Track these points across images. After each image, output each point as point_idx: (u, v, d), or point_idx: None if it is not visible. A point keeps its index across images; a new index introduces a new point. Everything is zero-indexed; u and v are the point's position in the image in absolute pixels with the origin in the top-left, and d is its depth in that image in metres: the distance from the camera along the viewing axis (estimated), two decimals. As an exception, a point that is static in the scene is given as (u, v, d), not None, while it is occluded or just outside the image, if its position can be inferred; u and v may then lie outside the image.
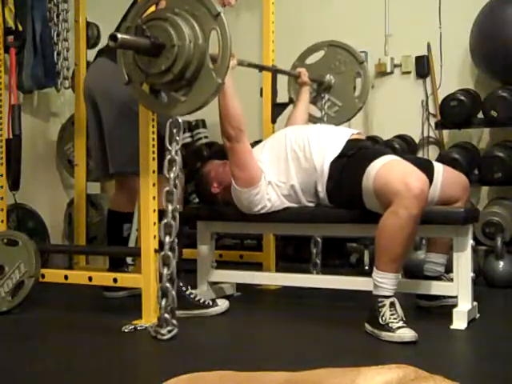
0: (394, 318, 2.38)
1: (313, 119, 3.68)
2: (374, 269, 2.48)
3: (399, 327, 2.35)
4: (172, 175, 2.44)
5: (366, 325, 2.46)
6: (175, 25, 2.30)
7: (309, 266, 3.67)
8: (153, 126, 2.62)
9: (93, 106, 3.03)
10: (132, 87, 2.49)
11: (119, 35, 2.23)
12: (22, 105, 3.44)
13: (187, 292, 2.81)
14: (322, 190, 2.76)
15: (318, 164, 2.74)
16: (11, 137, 3.22)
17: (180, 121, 2.44)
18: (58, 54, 4.06)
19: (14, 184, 3.25)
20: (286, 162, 2.83)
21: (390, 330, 2.35)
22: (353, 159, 2.69)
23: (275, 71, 3.57)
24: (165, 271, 2.44)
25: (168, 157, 2.45)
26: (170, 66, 2.30)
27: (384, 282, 2.44)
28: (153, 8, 2.47)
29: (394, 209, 2.41)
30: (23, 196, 3.60)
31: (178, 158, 2.45)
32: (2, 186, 3.19)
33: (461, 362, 2.26)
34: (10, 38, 3.32)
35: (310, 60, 3.84)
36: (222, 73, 2.30)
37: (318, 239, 3.68)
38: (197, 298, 2.83)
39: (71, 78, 4.07)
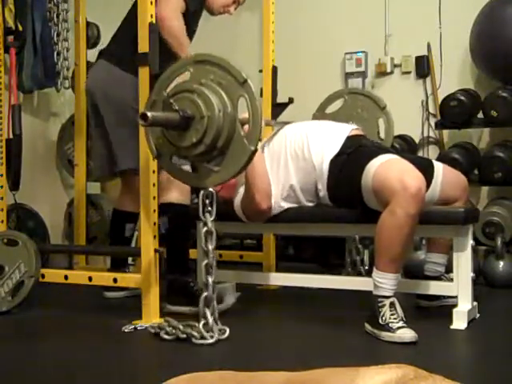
0: (394, 318, 2.38)
1: None
2: (374, 269, 2.48)
3: (399, 327, 2.35)
4: (210, 247, 2.40)
5: (366, 325, 2.47)
6: (203, 95, 2.27)
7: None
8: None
9: (93, 106, 3.04)
10: (162, 161, 2.46)
11: (149, 113, 2.20)
12: (22, 105, 3.43)
13: (195, 288, 2.82)
14: (322, 188, 2.76)
15: (317, 163, 2.74)
16: (11, 137, 3.22)
17: (213, 192, 2.39)
18: (58, 53, 4.06)
19: (14, 184, 3.25)
20: (285, 161, 2.83)
21: (390, 330, 2.35)
22: (352, 157, 2.69)
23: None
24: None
25: (204, 229, 2.40)
26: (201, 138, 2.27)
27: (384, 282, 2.44)
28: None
29: (391, 208, 2.41)
30: (23, 196, 3.60)
31: (215, 231, 2.41)
32: (1, 186, 3.19)
33: (461, 362, 2.26)
34: (10, 38, 3.33)
35: (331, 109, 3.71)
36: (255, 139, 2.26)
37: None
38: None
39: (71, 78, 4.07)
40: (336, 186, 2.71)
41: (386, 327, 2.37)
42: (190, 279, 2.85)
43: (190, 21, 3.00)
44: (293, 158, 2.81)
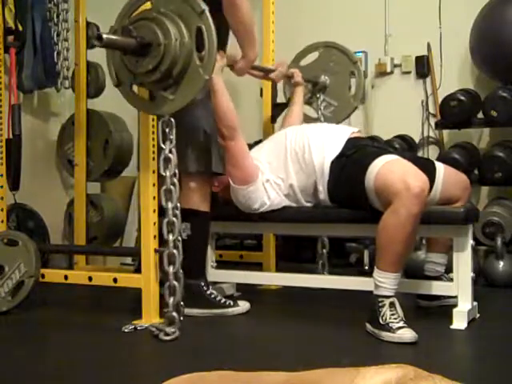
0: (395, 318, 2.38)
1: (309, 120, 3.67)
2: (375, 268, 2.48)
3: (399, 327, 2.35)
4: (168, 173, 2.46)
5: (367, 324, 2.47)
6: (161, 24, 2.33)
7: (316, 266, 3.69)
8: (152, 126, 2.62)
9: None
10: (121, 89, 2.51)
11: (104, 35, 2.27)
12: (21, 105, 3.43)
13: (208, 292, 2.84)
14: (322, 190, 2.76)
15: (317, 164, 2.74)
16: (11, 137, 3.22)
17: (172, 120, 2.46)
18: (58, 53, 4.06)
19: (14, 184, 3.25)
20: (285, 162, 2.83)
21: (390, 330, 2.35)
22: (354, 158, 2.69)
23: (264, 71, 3.36)
24: (171, 269, 2.46)
25: (162, 156, 2.47)
26: (157, 65, 2.33)
27: (384, 282, 2.44)
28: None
29: (394, 208, 2.41)
30: (23, 196, 3.60)
31: (173, 157, 2.46)
32: (1, 186, 3.19)
33: (461, 362, 2.26)
34: (10, 37, 3.32)
35: (306, 61, 3.84)
36: (209, 69, 2.32)
37: (325, 239, 3.70)
38: (217, 298, 2.85)
39: (71, 78, 4.07)
40: (337, 187, 2.71)
41: (386, 327, 2.37)
42: (203, 283, 2.85)
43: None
44: (293, 160, 2.81)
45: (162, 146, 2.46)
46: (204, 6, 2.31)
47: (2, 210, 3.19)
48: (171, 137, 2.47)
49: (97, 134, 3.89)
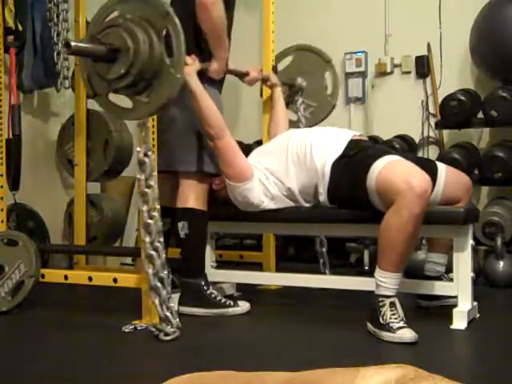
0: (395, 318, 2.38)
1: (290, 124, 3.68)
2: (377, 268, 2.48)
3: (400, 327, 2.35)
4: (143, 176, 2.49)
5: (368, 324, 2.47)
6: (128, 29, 2.37)
7: (317, 265, 3.72)
8: (153, 126, 2.63)
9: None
10: (97, 99, 2.54)
11: (73, 42, 2.32)
12: (21, 105, 3.43)
13: (208, 291, 2.85)
14: (323, 191, 2.76)
15: (319, 166, 2.74)
16: (11, 137, 3.22)
17: (147, 124, 2.50)
18: (58, 54, 4.05)
19: (14, 184, 3.25)
20: (286, 165, 2.83)
21: (391, 330, 2.35)
22: (355, 159, 2.69)
23: (240, 75, 3.40)
24: (150, 271, 2.48)
25: (137, 159, 2.51)
26: (128, 69, 2.36)
27: (386, 282, 2.44)
28: None
29: (396, 208, 2.41)
30: (23, 196, 3.61)
31: (148, 160, 2.50)
32: (1, 186, 3.19)
33: (461, 362, 2.26)
34: (10, 37, 3.32)
35: (282, 66, 3.83)
36: (179, 67, 2.36)
37: (323, 239, 3.71)
38: (218, 298, 2.86)
39: (71, 78, 4.07)
40: (338, 188, 2.71)
41: (387, 327, 2.37)
42: (203, 282, 2.87)
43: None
44: (294, 162, 2.81)
45: (138, 149, 2.50)
46: (169, 9, 2.36)
47: (2, 210, 3.18)
48: (146, 140, 2.50)
49: (97, 134, 3.89)
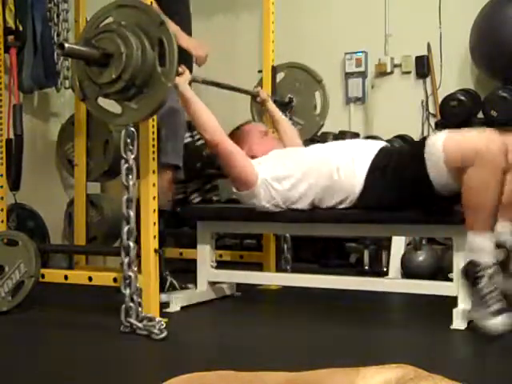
0: (493, 297, 2.22)
1: None
2: (469, 234, 2.33)
3: (497, 312, 2.20)
4: (131, 183, 2.51)
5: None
6: (122, 35, 2.39)
7: (281, 261, 3.75)
8: (153, 127, 2.63)
9: None
10: (87, 103, 2.56)
11: (67, 44, 2.34)
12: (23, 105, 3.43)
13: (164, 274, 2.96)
14: (349, 202, 2.66)
15: (347, 184, 2.65)
16: (12, 137, 3.21)
17: (133, 130, 2.51)
18: (58, 54, 4.05)
19: (14, 184, 3.25)
20: (303, 174, 2.75)
21: (487, 313, 2.22)
22: (395, 161, 2.60)
23: (233, 89, 3.52)
24: (132, 274, 2.52)
25: (125, 165, 2.51)
26: (120, 74, 2.37)
27: (484, 246, 2.27)
28: None
29: (477, 165, 2.29)
30: (23, 196, 3.60)
31: (134, 167, 2.52)
32: (2, 186, 3.19)
33: (461, 362, 2.26)
34: (10, 37, 3.32)
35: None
36: (171, 76, 2.38)
37: (287, 235, 3.74)
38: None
39: (71, 78, 4.07)
40: (379, 197, 2.60)
41: (483, 307, 2.23)
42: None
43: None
44: (313, 176, 2.73)
45: (124, 155, 2.51)
46: (163, 18, 2.40)
47: (2, 210, 3.18)
48: (131, 147, 2.51)
49: (97, 134, 3.89)
